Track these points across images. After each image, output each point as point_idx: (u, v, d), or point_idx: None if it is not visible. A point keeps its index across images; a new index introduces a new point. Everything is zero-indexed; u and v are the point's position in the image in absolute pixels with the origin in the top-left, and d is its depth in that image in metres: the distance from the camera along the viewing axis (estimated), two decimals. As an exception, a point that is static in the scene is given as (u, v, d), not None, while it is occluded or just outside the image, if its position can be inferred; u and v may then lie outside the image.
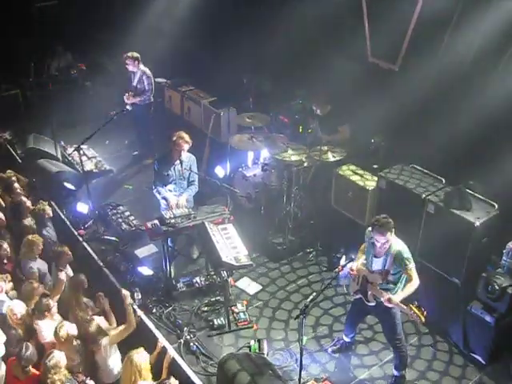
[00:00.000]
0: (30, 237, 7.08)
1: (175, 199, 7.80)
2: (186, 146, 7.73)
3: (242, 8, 10.33)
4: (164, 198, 7.84)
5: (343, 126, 9.02)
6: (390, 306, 5.84)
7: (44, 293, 6.53)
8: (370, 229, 6.07)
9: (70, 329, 5.90)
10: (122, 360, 5.99)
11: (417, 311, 5.55)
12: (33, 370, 5.73)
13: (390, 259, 5.86)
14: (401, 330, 6.26)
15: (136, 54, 10.17)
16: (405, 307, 5.68)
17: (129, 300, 6.34)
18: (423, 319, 5.52)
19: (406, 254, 5.88)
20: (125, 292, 6.44)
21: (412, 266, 5.88)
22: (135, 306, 6.55)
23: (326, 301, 7.76)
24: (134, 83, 10.33)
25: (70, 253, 7.13)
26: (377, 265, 6.01)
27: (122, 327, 6.14)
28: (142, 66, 10.27)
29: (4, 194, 8.35)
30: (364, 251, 6.28)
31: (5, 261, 7.12)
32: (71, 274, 7.13)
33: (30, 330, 6.25)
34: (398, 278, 5.96)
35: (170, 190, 7.87)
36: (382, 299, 5.87)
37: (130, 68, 10.25)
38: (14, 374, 5.71)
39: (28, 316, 6.31)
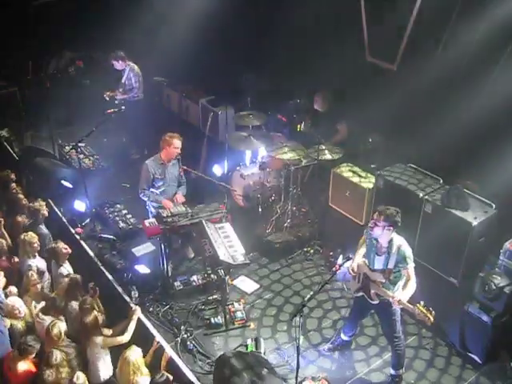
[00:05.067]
0: (24, 235, 7.08)
1: (170, 203, 7.80)
2: (180, 143, 7.74)
3: (240, 7, 10.31)
4: (156, 201, 7.84)
5: (341, 125, 9.03)
6: (398, 307, 5.82)
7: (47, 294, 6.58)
8: (370, 225, 6.06)
9: (63, 327, 5.91)
10: (112, 361, 6.05)
11: (424, 311, 5.53)
12: (27, 363, 5.77)
13: (393, 257, 5.85)
14: (400, 328, 6.26)
15: (120, 53, 10.29)
16: (412, 307, 5.66)
17: (137, 315, 6.39)
18: (432, 319, 5.50)
19: (409, 251, 5.89)
20: (135, 307, 6.54)
21: (413, 265, 5.89)
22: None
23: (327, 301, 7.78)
24: (123, 80, 10.49)
25: (66, 247, 7.12)
26: (379, 263, 5.99)
27: (119, 338, 6.14)
28: (130, 63, 10.37)
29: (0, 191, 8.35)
30: (363, 246, 6.26)
31: (3, 257, 7.13)
32: (71, 270, 7.13)
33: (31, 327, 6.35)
34: (399, 276, 5.96)
35: (159, 195, 7.90)
36: (391, 301, 5.85)
37: (118, 67, 10.42)
38: (8, 365, 5.78)
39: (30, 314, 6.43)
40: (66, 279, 6.76)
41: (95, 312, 6.15)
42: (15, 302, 6.34)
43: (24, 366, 5.79)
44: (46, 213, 7.85)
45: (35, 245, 7.07)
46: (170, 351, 6.22)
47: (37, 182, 9.31)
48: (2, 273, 6.75)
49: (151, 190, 7.90)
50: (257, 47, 10.04)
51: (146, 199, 7.93)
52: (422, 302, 5.63)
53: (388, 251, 5.89)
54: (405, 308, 5.79)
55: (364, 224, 7.78)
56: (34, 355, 5.83)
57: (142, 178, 7.92)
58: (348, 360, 6.90)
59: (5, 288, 6.64)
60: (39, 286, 6.76)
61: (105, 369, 6.05)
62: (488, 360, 6.66)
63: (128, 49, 10.48)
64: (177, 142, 7.70)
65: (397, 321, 6.18)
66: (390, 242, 5.89)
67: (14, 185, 8.37)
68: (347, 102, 8.99)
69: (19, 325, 6.30)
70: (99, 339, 6.01)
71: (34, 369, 5.83)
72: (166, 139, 7.74)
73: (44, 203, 7.88)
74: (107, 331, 6.26)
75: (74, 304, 6.56)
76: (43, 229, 7.75)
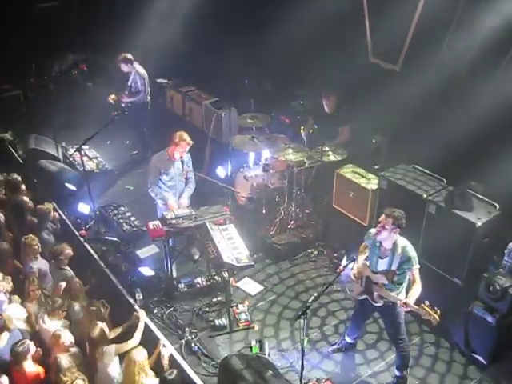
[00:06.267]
0: (25, 238, 7.10)
1: (175, 202, 7.81)
2: (187, 148, 7.73)
3: (242, 8, 10.33)
4: (162, 199, 7.84)
5: (344, 128, 9.02)
6: (405, 309, 5.82)
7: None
8: (372, 230, 6.07)
9: (67, 337, 5.92)
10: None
11: (429, 311, 5.52)
12: (33, 367, 5.78)
13: (397, 258, 5.84)
14: (404, 329, 6.25)
15: (128, 56, 10.28)
16: (417, 307, 5.64)
17: (143, 318, 6.40)
18: (438, 318, 5.49)
19: (413, 253, 5.87)
20: (140, 310, 6.54)
21: (417, 266, 5.88)
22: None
23: (332, 302, 7.78)
24: (129, 83, 10.47)
25: (69, 248, 7.14)
26: (382, 265, 5.97)
27: (129, 342, 6.12)
28: (136, 66, 10.39)
29: (8, 194, 8.35)
30: (364, 252, 6.26)
31: (8, 261, 7.16)
32: (71, 273, 7.15)
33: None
34: (403, 277, 5.94)
35: (167, 191, 7.87)
36: (397, 303, 5.85)
37: (125, 70, 10.39)
38: (13, 368, 5.78)
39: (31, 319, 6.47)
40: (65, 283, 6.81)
41: (100, 324, 6.13)
42: (15, 311, 6.39)
43: (31, 367, 5.78)
44: (52, 215, 7.86)
45: (35, 247, 7.09)
46: (168, 352, 6.18)
47: (41, 185, 9.33)
48: (10, 277, 6.77)
49: (160, 185, 7.84)
50: (260, 48, 10.04)
51: (153, 195, 7.92)
52: (426, 302, 5.62)
53: (392, 253, 5.88)
54: (411, 309, 5.78)
55: (368, 225, 7.78)
56: (30, 356, 5.79)
57: (149, 173, 7.90)
58: (352, 362, 6.89)
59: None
60: (38, 293, 6.75)
61: (115, 371, 6.05)
62: (492, 361, 6.65)
63: (131, 51, 10.49)
64: (183, 145, 7.67)
65: (401, 323, 6.17)
66: (394, 243, 5.87)
67: (23, 187, 8.37)
68: (350, 103, 8.98)
69: (24, 326, 6.36)
70: (111, 348, 6.00)
71: (42, 373, 5.84)
72: (175, 137, 7.67)
73: (51, 206, 7.89)
74: (113, 333, 6.28)
75: (77, 306, 6.59)
76: (46, 236, 7.75)
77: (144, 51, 10.96)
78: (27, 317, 6.51)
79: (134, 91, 10.47)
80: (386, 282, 5.93)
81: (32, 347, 5.77)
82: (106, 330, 6.14)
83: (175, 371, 5.65)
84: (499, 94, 7.01)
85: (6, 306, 6.41)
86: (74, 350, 5.95)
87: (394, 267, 5.88)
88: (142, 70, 10.46)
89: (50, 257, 7.25)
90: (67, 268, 7.18)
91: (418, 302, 5.76)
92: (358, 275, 6.19)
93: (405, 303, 5.72)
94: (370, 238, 6.12)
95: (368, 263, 6.13)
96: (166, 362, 6.02)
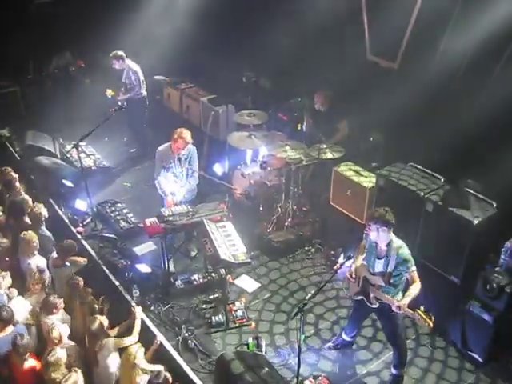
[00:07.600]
0: (24, 234, 7.09)
1: (172, 199, 7.82)
2: (184, 146, 7.74)
3: (241, 6, 10.32)
4: (163, 193, 7.87)
5: (342, 123, 9.01)
6: (399, 312, 5.81)
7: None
8: (365, 231, 6.06)
9: (63, 329, 5.92)
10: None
11: (424, 316, 5.50)
12: (33, 361, 5.82)
13: (393, 260, 5.82)
14: (402, 329, 6.24)
15: (119, 53, 10.30)
16: (412, 312, 5.63)
17: (140, 315, 6.41)
18: (431, 324, 5.48)
19: (408, 254, 5.85)
20: (137, 308, 6.54)
21: (415, 267, 5.86)
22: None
23: (325, 300, 7.77)
24: (123, 79, 10.51)
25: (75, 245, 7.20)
26: (379, 266, 5.96)
27: (128, 339, 6.13)
28: (129, 62, 10.42)
29: (3, 190, 8.32)
30: (363, 251, 6.25)
31: (6, 258, 7.14)
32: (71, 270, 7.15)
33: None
34: (399, 279, 5.92)
35: (175, 181, 7.92)
36: (392, 306, 5.83)
37: (117, 67, 10.44)
38: (14, 361, 5.81)
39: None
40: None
41: (99, 318, 6.13)
42: (18, 304, 6.37)
43: (29, 363, 5.81)
44: (45, 214, 7.84)
45: (34, 244, 7.08)
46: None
47: (38, 182, 9.31)
48: (9, 272, 6.76)
49: (167, 175, 7.89)
50: (258, 46, 10.04)
51: (157, 186, 7.96)
52: (421, 307, 5.61)
53: (387, 254, 5.86)
54: (405, 313, 5.78)
55: (365, 223, 7.78)
56: (31, 351, 5.84)
57: (155, 165, 8.00)
58: (349, 359, 6.89)
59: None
60: (38, 287, 6.75)
61: (114, 366, 6.05)
62: (489, 359, 6.64)
63: (129, 48, 10.48)
64: (180, 143, 7.68)
65: (398, 323, 6.15)
66: (389, 244, 5.84)
67: (17, 184, 8.33)
68: (348, 100, 8.98)
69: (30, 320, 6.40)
70: (111, 342, 6.02)
71: (38, 365, 5.85)
72: (174, 133, 7.72)
73: (41, 206, 7.84)
74: (112, 332, 6.28)
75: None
76: (45, 231, 7.74)
77: (141, 48, 10.96)
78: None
79: (129, 87, 10.48)
80: (383, 284, 5.91)
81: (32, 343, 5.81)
82: (105, 324, 6.15)
83: (162, 373, 5.68)
84: (497, 91, 7.02)
85: (6, 300, 6.43)
86: (70, 343, 5.97)
87: (390, 268, 5.86)
88: (134, 66, 10.46)
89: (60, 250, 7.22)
90: (67, 265, 7.18)
91: (416, 302, 5.76)
92: (355, 275, 6.18)
93: (398, 306, 5.72)
94: (367, 238, 6.11)
95: (366, 263, 6.13)
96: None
